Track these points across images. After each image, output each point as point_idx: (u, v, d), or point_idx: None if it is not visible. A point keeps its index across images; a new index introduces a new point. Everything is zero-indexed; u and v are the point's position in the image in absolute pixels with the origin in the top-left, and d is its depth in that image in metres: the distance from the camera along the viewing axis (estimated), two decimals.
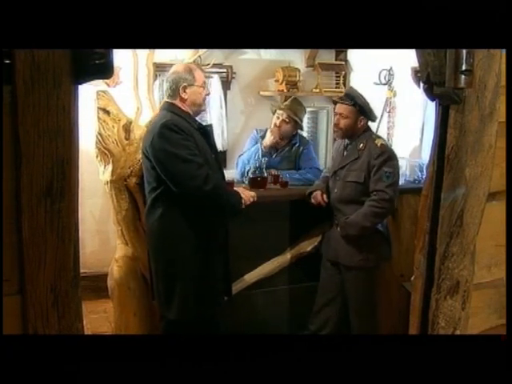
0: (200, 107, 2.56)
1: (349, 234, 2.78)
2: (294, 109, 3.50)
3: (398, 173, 2.81)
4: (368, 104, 2.85)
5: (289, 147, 3.56)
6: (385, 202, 2.71)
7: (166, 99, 2.51)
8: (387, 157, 2.74)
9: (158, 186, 2.38)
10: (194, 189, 2.29)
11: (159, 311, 2.64)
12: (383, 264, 2.96)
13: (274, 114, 3.57)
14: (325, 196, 2.94)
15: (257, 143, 3.58)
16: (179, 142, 2.30)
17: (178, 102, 2.46)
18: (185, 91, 2.44)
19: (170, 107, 2.46)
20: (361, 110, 2.82)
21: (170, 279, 2.43)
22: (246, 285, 3.04)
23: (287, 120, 3.46)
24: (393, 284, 3.19)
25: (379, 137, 2.93)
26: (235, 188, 2.63)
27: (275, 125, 3.48)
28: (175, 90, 2.44)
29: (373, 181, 2.75)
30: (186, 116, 2.44)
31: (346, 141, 2.93)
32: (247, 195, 2.53)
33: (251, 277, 3.06)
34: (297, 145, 3.55)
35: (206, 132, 2.51)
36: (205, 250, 2.44)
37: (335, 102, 3.04)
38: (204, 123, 2.73)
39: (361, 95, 2.86)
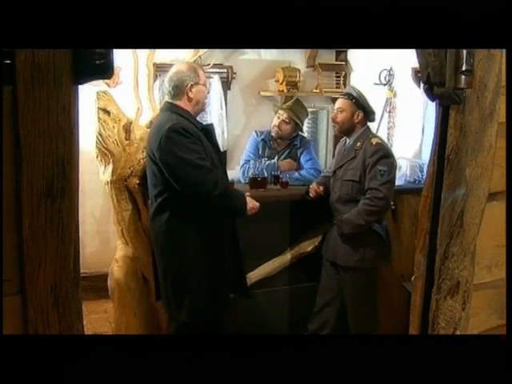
0: (203, 106, 2.56)
1: (344, 233, 2.78)
2: (296, 110, 3.49)
3: (394, 171, 2.79)
4: (364, 97, 2.87)
5: (289, 149, 3.55)
6: (378, 200, 2.70)
7: (167, 99, 2.49)
8: (382, 155, 2.74)
9: (165, 189, 2.37)
10: (203, 194, 2.30)
11: (168, 313, 2.62)
12: (381, 266, 2.96)
13: (275, 113, 3.57)
14: (321, 187, 2.96)
15: (257, 145, 3.58)
16: (188, 145, 2.29)
17: (180, 103, 2.45)
18: (191, 90, 2.43)
19: (173, 108, 2.44)
20: (356, 103, 2.83)
21: (179, 281, 2.43)
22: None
23: (287, 120, 3.46)
24: (393, 284, 3.19)
25: (375, 135, 2.93)
26: (242, 190, 2.63)
27: (275, 125, 3.48)
28: (181, 89, 2.43)
29: (367, 179, 2.74)
30: (189, 117, 2.44)
31: (347, 141, 2.94)
32: (251, 206, 2.53)
33: (252, 277, 3.06)
34: (297, 146, 3.55)
35: (209, 132, 2.50)
36: (214, 250, 2.45)
37: (334, 101, 3.08)
38: (205, 123, 2.74)
39: (358, 90, 2.89)
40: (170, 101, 2.48)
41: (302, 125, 3.60)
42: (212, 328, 2.53)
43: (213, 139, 2.52)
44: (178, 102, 2.45)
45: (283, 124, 3.47)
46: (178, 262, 2.43)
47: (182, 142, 2.28)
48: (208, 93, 2.60)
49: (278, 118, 3.48)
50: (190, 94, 2.44)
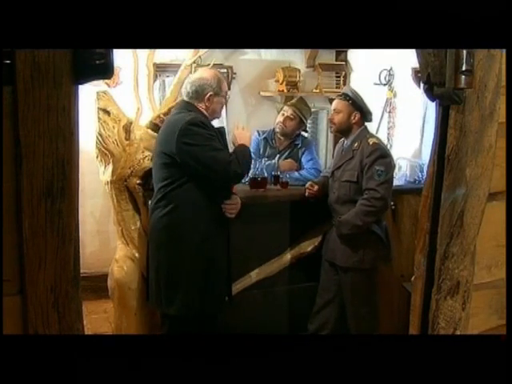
0: (218, 115, 2.63)
1: (342, 234, 2.78)
2: (300, 107, 3.52)
3: (391, 171, 2.79)
4: (361, 98, 2.86)
5: (290, 148, 3.56)
6: (376, 200, 2.69)
7: (185, 99, 2.53)
8: (379, 155, 2.73)
9: (173, 181, 2.41)
10: (232, 174, 2.40)
11: (158, 309, 2.63)
12: (381, 266, 2.95)
13: (278, 113, 3.58)
14: (315, 187, 2.97)
15: (258, 144, 3.58)
16: (206, 135, 2.37)
17: (197, 104, 2.50)
18: (209, 99, 2.49)
19: (189, 107, 2.49)
20: (353, 103, 2.83)
21: (173, 275, 2.44)
22: (246, 285, 3.04)
23: (292, 117, 3.48)
24: (393, 284, 3.19)
25: (373, 136, 2.93)
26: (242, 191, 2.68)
27: (279, 121, 3.49)
28: (200, 95, 2.49)
29: (365, 179, 2.74)
30: (204, 117, 2.49)
31: (346, 142, 2.94)
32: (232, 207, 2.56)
33: (252, 277, 3.06)
34: (298, 146, 3.56)
35: (221, 134, 2.55)
36: (211, 246, 2.46)
37: (332, 101, 3.08)
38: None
39: (355, 91, 2.89)
40: (188, 100, 2.52)
41: (306, 122, 3.61)
42: (205, 324, 2.53)
43: (224, 141, 2.57)
44: (195, 103, 2.51)
45: (288, 120, 3.49)
46: (173, 254, 2.44)
47: (201, 132, 2.36)
48: (227, 101, 2.65)
49: (283, 114, 3.51)
50: (207, 103, 2.50)
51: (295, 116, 3.48)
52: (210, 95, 2.48)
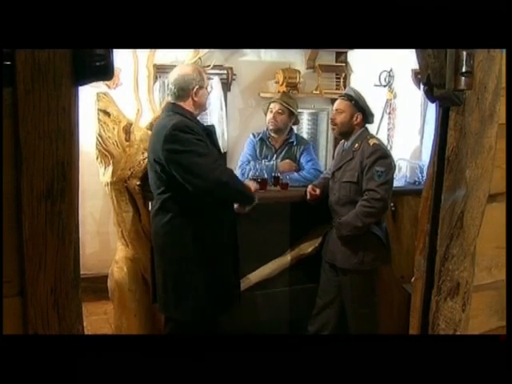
0: (205, 107, 2.59)
1: (343, 235, 2.77)
2: (285, 100, 3.56)
3: (391, 172, 2.77)
4: (363, 99, 2.85)
5: (287, 147, 3.56)
6: (376, 201, 2.68)
7: (171, 100, 2.50)
8: (379, 155, 2.72)
9: (168, 189, 2.38)
10: (213, 181, 2.30)
11: (165, 314, 2.61)
12: (381, 268, 2.95)
13: (266, 113, 3.59)
14: (317, 190, 2.95)
15: (254, 146, 3.59)
16: (192, 140, 2.31)
17: (184, 104, 2.46)
18: (196, 94, 2.45)
19: (175, 109, 2.45)
20: (356, 104, 2.82)
21: (181, 281, 2.42)
22: (246, 286, 3.03)
23: (280, 111, 3.51)
24: (393, 285, 3.19)
25: (373, 136, 2.92)
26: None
27: (270, 119, 3.51)
28: (186, 91, 2.44)
29: (365, 180, 2.73)
30: (192, 118, 2.45)
31: (346, 143, 2.93)
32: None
33: (252, 278, 3.06)
34: (294, 143, 3.56)
35: (210, 133, 2.52)
36: (216, 250, 2.45)
37: (334, 102, 3.07)
38: (206, 124, 2.75)
39: (358, 92, 2.88)
40: (173, 102, 2.49)
41: (296, 113, 3.61)
42: (209, 328, 2.53)
43: (214, 140, 2.54)
44: (181, 103, 2.46)
45: (278, 115, 3.51)
46: (179, 261, 2.42)
47: (187, 137, 2.30)
48: (209, 92, 2.62)
49: (271, 111, 3.53)
50: (194, 98, 2.46)
51: (283, 109, 3.51)
52: (197, 89, 2.44)
